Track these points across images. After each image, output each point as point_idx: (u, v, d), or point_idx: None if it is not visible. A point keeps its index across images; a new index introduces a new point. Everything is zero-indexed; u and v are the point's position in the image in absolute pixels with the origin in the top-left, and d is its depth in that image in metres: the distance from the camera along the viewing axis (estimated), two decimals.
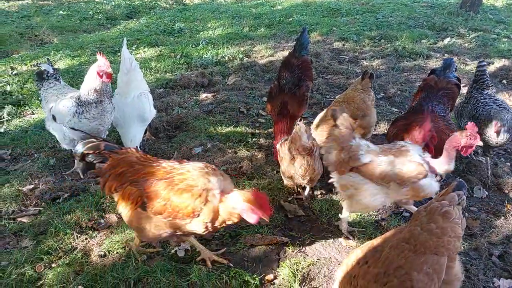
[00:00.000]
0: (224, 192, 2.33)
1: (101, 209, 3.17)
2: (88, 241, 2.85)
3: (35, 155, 3.97)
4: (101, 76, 3.23)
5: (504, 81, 5.84)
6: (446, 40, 7.74)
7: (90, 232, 2.93)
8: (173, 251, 2.72)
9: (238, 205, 2.25)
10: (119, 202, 2.47)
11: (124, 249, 2.73)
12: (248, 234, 2.87)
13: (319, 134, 3.62)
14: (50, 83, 3.74)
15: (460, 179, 1.96)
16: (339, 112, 2.76)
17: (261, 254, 2.77)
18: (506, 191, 3.55)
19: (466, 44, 7.59)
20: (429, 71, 3.88)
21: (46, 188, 3.41)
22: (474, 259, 2.75)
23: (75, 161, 3.73)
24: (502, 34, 7.95)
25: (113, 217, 3.07)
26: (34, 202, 3.28)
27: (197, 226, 2.31)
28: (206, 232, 2.37)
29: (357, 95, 3.64)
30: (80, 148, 2.47)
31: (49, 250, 2.73)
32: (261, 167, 3.78)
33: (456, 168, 3.78)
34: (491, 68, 6.18)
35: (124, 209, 2.44)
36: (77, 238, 2.86)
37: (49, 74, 3.77)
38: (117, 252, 2.71)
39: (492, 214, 3.25)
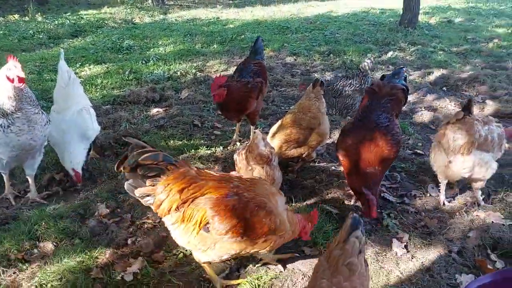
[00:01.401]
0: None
1: (34, 237, 2.77)
2: (17, 275, 2.45)
3: None
4: (11, 80, 2.80)
5: (444, 88, 6.21)
6: (389, 54, 8.16)
7: (20, 264, 2.53)
8: (119, 277, 2.41)
9: (301, 223, 2.36)
10: (178, 224, 2.12)
11: (61, 281, 2.37)
12: None
13: (276, 144, 3.53)
14: None
15: (354, 215, 1.68)
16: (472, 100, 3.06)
17: (219, 271, 2.54)
18: (457, 190, 3.63)
19: (408, 57, 8.06)
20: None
21: None
22: (435, 257, 2.73)
23: (6, 186, 3.30)
24: (438, 47, 8.56)
25: (48, 245, 2.69)
26: None
27: (267, 244, 2.21)
28: (270, 250, 2.32)
29: (312, 103, 3.60)
30: (132, 158, 2.05)
31: None
32: None
33: (408, 169, 3.88)
34: (431, 77, 6.56)
35: (185, 231, 2.12)
36: (3, 272, 2.45)
37: None
38: (51, 286, 2.35)
39: (446, 213, 3.30)
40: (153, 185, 2.10)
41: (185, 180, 2.12)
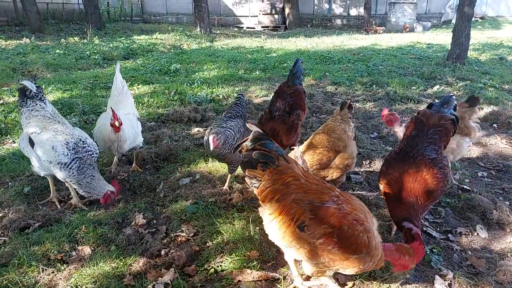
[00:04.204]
0: None
1: (74, 240, 2.87)
2: (55, 274, 2.52)
3: (9, 183, 3.71)
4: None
5: (495, 125, 5.88)
6: (435, 88, 7.93)
7: (58, 265, 2.61)
8: (150, 285, 2.41)
9: (394, 256, 2.22)
10: (275, 215, 2.17)
11: (95, 284, 2.41)
12: (236, 268, 2.59)
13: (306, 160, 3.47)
14: (36, 105, 3.35)
15: None
16: None
17: None
18: (508, 230, 3.34)
19: (455, 92, 7.76)
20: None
21: (16, 217, 3.11)
22: None
23: (51, 190, 3.48)
24: (488, 84, 8.19)
25: (86, 249, 2.76)
26: (0, 232, 2.98)
27: (358, 264, 2.10)
28: (358, 272, 2.19)
29: (337, 125, 3.53)
30: (251, 141, 2.20)
31: (9, 284, 2.40)
32: (253, 200, 3.56)
33: (454, 205, 3.63)
34: (481, 113, 6.25)
35: (280, 224, 2.15)
36: (43, 271, 2.54)
37: (32, 94, 3.35)
38: (85, 287, 2.39)
39: (496, 253, 3.02)
40: (263, 171, 2.19)
41: (291, 175, 2.17)
